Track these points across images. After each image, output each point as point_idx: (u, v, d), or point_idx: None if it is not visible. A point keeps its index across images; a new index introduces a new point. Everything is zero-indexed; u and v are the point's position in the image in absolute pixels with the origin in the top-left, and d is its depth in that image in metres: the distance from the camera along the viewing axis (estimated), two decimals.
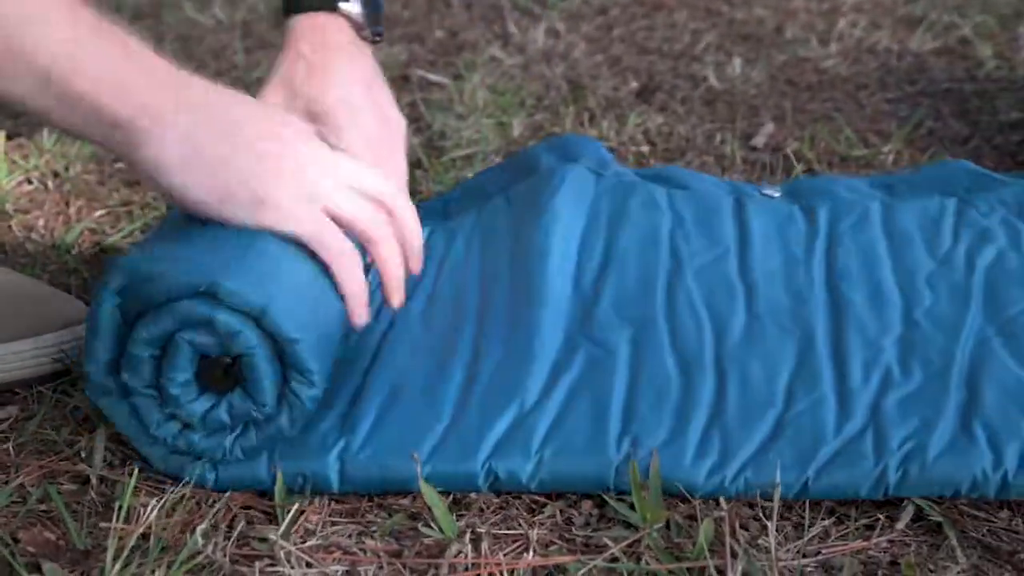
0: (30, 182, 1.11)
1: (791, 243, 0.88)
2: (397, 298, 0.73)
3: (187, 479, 0.67)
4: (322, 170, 0.70)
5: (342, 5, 0.87)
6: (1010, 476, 0.66)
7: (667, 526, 0.65)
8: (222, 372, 0.66)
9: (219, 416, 0.66)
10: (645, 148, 1.18)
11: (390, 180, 0.75)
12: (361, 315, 0.71)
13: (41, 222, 1.04)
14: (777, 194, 0.96)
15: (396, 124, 0.89)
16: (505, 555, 0.63)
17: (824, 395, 0.72)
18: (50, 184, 1.10)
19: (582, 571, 0.61)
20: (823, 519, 0.66)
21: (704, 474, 0.67)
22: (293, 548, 0.63)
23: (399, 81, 1.39)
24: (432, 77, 1.39)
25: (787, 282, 0.84)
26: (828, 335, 0.78)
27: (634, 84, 1.37)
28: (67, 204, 1.07)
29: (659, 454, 0.67)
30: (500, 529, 0.65)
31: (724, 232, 0.89)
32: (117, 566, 0.60)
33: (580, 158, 0.97)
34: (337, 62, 0.86)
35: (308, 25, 0.87)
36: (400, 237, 0.73)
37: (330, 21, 0.88)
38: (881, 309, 0.80)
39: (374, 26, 0.89)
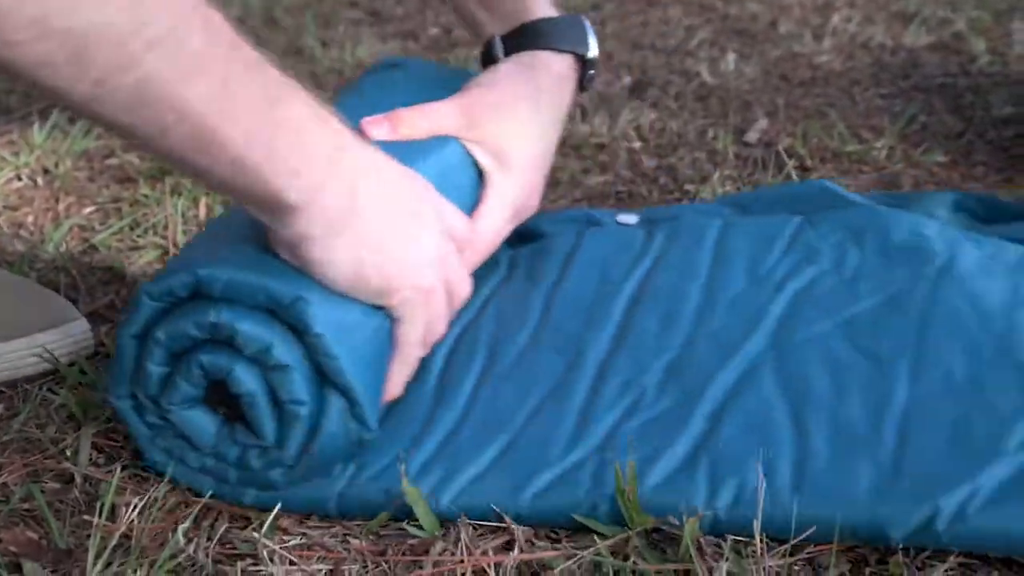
0: (20, 179, 1.11)
1: (612, 268, 0.85)
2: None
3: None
4: (440, 264, 0.70)
5: (590, 54, 0.86)
6: (721, 514, 0.63)
7: (653, 529, 0.64)
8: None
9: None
10: (637, 144, 1.18)
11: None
12: (391, 396, 0.71)
13: (30, 219, 1.03)
14: (633, 221, 0.94)
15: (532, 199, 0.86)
16: (490, 552, 0.63)
17: (566, 413, 0.70)
18: (39, 181, 1.10)
19: (567, 563, 0.61)
20: None
21: (423, 495, 0.65)
22: (277, 547, 0.62)
23: None
24: None
25: (587, 307, 0.81)
26: (601, 357, 0.75)
27: (627, 79, 1.36)
28: (56, 201, 1.06)
29: (384, 474, 0.66)
30: (484, 528, 0.65)
31: (547, 268, 0.86)
32: (99, 566, 0.60)
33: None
34: (545, 116, 0.84)
35: (558, 72, 0.85)
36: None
37: (571, 71, 0.86)
38: (668, 331, 0.77)
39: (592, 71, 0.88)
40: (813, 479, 0.64)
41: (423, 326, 0.70)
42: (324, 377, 0.65)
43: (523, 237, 0.91)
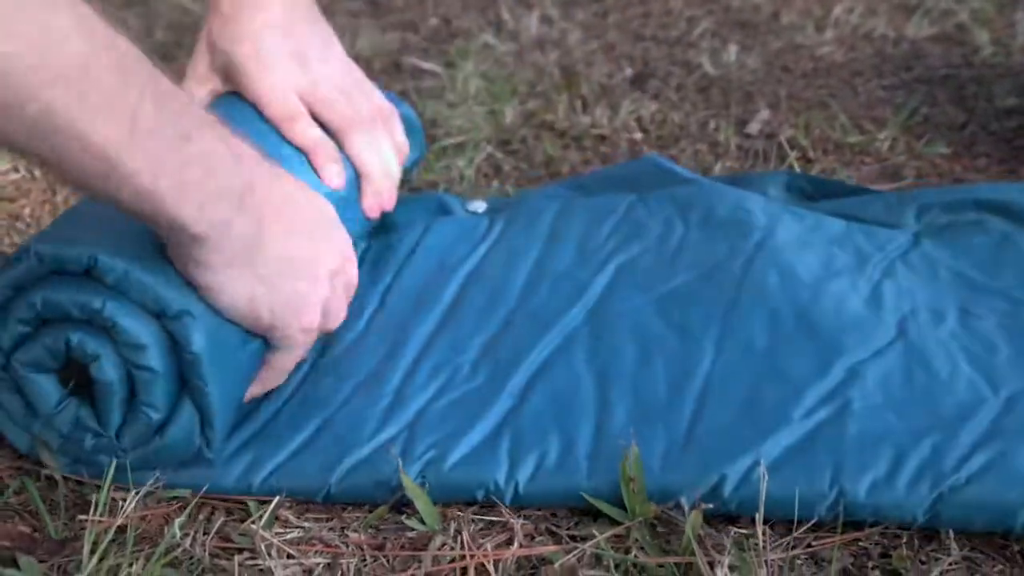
0: (17, 170, 1.10)
1: (450, 256, 0.87)
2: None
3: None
4: (326, 303, 0.69)
5: None
6: (521, 488, 0.64)
7: (654, 519, 0.64)
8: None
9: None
10: (638, 135, 1.17)
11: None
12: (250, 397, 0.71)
13: (27, 210, 1.03)
14: (482, 209, 0.95)
15: (318, 62, 0.86)
16: (490, 547, 0.62)
17: (381, 396, 0.71)
18: (37, 172, 1.09)
19: (568, 557, 0.60)
20: None
21: (234, 477, 0.66)
22: (275, 540, 0.62)
23: (391, 69, 1.37)
24: (424, 65, 1.38)
25: (419, 294, 0.82)
26: (423, 339, 0.76)
27: (628, 71, 1.36)
28: (54, 192, 1.06)
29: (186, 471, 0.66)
30: (484, 523, 0.64)
31: (391, 262, 0.87)
32: (94, 559, 0.59)
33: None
34: (248, 10, 0.81)
35: None
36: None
37: None
38: (491, 310, 0.79)
39: None
40: (611, 449, 0.65)
41: (296, 358, 0.71)
42: (187, 388, 0.64)
43: (379, 228, 0.92)
